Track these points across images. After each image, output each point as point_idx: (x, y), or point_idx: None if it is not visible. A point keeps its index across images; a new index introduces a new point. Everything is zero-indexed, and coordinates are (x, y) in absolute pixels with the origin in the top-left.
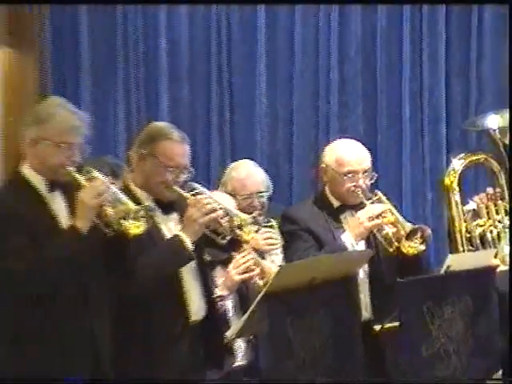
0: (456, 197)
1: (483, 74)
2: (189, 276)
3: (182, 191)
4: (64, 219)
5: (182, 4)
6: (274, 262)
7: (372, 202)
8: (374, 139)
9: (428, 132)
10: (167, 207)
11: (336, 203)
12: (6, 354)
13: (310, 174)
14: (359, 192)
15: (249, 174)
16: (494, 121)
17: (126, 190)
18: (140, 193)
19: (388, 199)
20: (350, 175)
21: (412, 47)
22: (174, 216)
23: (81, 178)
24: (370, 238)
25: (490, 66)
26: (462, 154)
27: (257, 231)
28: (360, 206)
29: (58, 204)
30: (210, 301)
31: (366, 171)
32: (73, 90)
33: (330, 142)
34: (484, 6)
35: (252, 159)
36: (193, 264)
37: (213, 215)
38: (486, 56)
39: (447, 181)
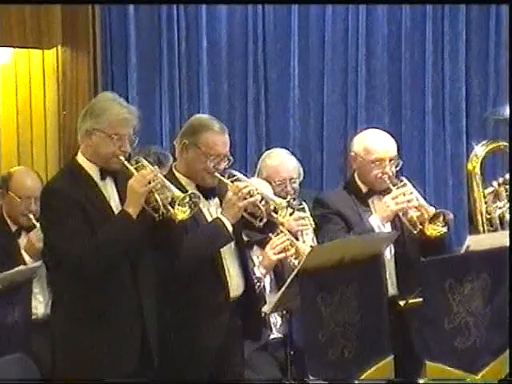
0: (478, 180)
1: (500, 68)
2: (229, 255)
3: (222, 178)
4: (115, 205)
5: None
6: (305, 242)
7: (397, 188)
8: (399, 129)
9: (449, 122)
10: (209, 193)
11: (364, 188)
12: (61, 331)
13: (339, 161)
14: (386, 178)
15: (282, 161)
16: None
17: (172, 177)
18: (184, 179)
19: (412, 185)
20: (377, 163)
21: (434, 45)
22: (216, 201)
23: (131, 167)
24: (396, 221)
25: (506, 62)
26: (485, 141)
27: (291, 214)
28: (386, 191)
29: (109, 190)
30: (248, 278)
31: (392, 159)
32: (122, 85)
33: (358, 131)
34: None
35: (285, 148)
36: (232, 244)
37: (250, 199)
38: (503, 52)
39: (470, 166)
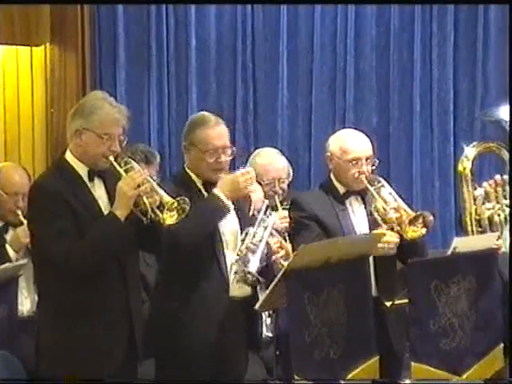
0: (468, 182)
1: (488, 71)
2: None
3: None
4: (104, 205)
5: (210, 4)
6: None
7: (374, 188)
8: (387, 130)
9: (436, 124)
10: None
11: (341, 189)
12: (47, 328)
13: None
14: (363, 178)
15: (272, 161)
16: (506, 112)
17: (185, 175)
18: (193, 176)
19: (390, 184)
20: (354, 162)
21: (422, 46)
22: None
23: (120, 169)
24: (373, 223)
25: (494, 65)
26: (475, 142)
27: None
28: (364, 191)
29: (98, 191)
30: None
31: (368, 158)
32: (110, 83)
33: None
34: (489, 8)
35: (274, 148)
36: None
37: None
38: (490, 55)
39: (460, 167)
